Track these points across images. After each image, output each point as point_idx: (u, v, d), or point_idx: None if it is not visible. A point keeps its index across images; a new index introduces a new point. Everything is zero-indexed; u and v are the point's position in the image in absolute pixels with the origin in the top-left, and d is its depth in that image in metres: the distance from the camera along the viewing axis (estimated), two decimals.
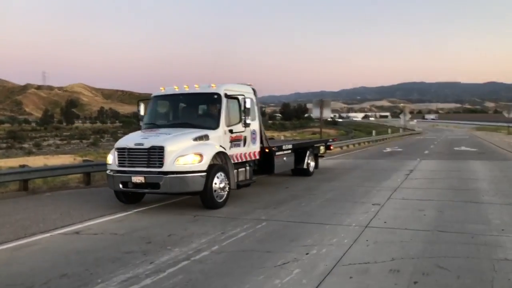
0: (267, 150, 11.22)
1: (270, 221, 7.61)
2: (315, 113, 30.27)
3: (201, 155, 8.43)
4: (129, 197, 9.44)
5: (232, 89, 9.85)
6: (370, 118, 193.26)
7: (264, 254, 5.69)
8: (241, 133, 9.85)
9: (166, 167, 8.28)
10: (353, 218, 7.76)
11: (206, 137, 8.93)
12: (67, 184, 13.10)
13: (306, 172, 13.97)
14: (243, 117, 9.64)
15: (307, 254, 5.62)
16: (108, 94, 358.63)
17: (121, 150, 8.79)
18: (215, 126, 9.27)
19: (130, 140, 8.91)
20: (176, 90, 10.10)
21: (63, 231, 7.28)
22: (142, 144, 8.50)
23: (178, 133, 8.86)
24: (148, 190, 8.65)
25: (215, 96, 9.55)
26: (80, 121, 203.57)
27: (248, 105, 9.61)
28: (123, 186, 8.77)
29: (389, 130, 57.33)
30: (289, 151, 12.71)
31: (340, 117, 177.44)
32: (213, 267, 5.23)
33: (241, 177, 9.97)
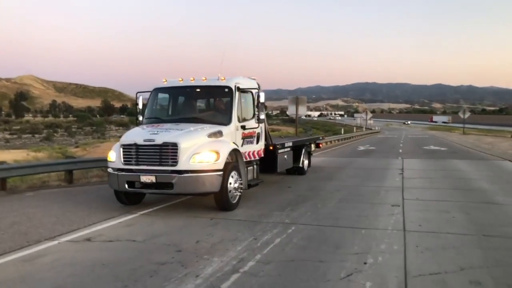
0: (271, 148, 10.66)
1: (298, 225, 7.07)
2: (290, 110, 29.96)
3: (217, 153, 7.75)
4: (130, 197, 8.62)
5: (244, 83, 9.22)
6: (330, 118, 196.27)
7: (318, 264, 5.15)
8: (254, 130, 9.25)
9: (180, 166, 7.54)
10: (382, 221, 7.37)
11: (220, 133, 8.25)
12: (47, 183, 11.98)
13: (301, 171, 13.53)
14: (256, 113, 9.04)
15: (365, 263, 5.14)
16: (61, 87, 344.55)
17: (127, 147, 7.94)
18: (227, 121, 8.61)
19: (137, 135, 8.06)
20: (181, 82, 9.33)
21: (70, 238, 6.41)
22: (153, 140, 7.70)
23: (190, 128, 8.12)
24: (159, 190, 7.85)
25: (226, 90, 8.88)
26: (30, 115, 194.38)
27: (262, 100, 9.01)
28: (129, 186, 7.93)
29: (355, 129, 58.35)
30: (289, 149, 12.22)
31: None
32: (272, 281, 4.63)
33: (249, 176, 9.36)
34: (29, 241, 6.17)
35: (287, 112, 32.46)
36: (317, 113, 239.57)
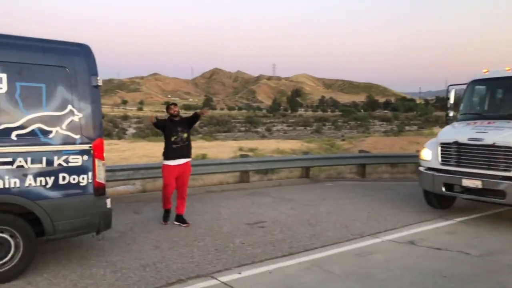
0: None
1: None
2: None
3: None
4: (441, 201, 7.88)
5: None
6: None
7: None
8: None
9: None
10: None
11: None
12: (341, 174, 12.47)
13: None
14: None
15: None
16: (329, 84, 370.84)
17: (447, 146, 7.21)
18: None
19: (459, 133, 7.23)
20: (508, 72, 7.93)
21: (391, 237, 6.16)
22: (480, 140, 6.73)
23: None
24: (485, 197, 6.83)
25: None
26: (303, 109, 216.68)
27: None
28: (447, 189, 7.18)
29: None
30: None
31: None
32: None
33: None
34: (353, 234, 6.23)
35: None
36: None
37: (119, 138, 49.67)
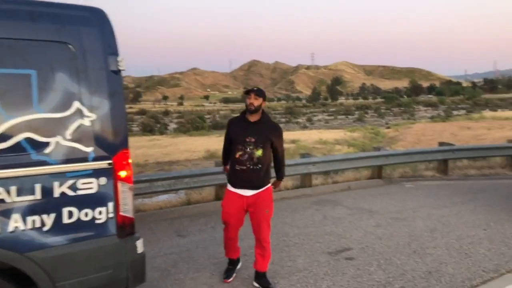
0: None
1: None
2: None
3: None
4: None
5: None
6: None
7: None
8: None
9: None
10: None
11: None
12: (418, 172, 10.47)
13: None
14: None
15: None
16: (370, 70, 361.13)
17: None
18: None
19: None
20: None
21: None
22: None
23: None
24: None
25: None
26: (343, 98, 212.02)
27: None
28: None
29: None
30: None
31: None
32: None
33: None
34: (486, 270, 4.37)
35: None
36: None
37: (161, 133, 49.38)
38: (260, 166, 3.81)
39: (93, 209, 2.99)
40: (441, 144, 10.63)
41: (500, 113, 62.21)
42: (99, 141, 3.01)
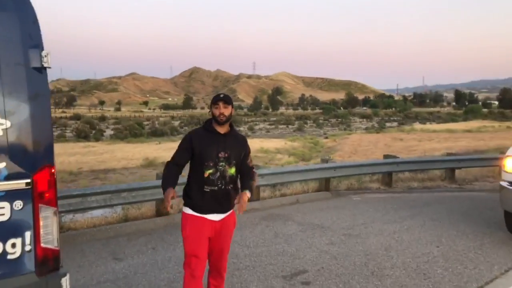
0: None
1: None
2: None
3: None
4: None
5: None
6: None
7: None
8: None
9: None
10: None
11: None
12: (363, 184, 10.44)
13: None
14: None
15: None
16: (309, 82, 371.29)
17: None
18: None
19: None
20: None
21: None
22: None
23: None
24: None
25: None
26: (283, 108, 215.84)
27: None
28: None
29: None
30: None
31: None
32: None
33: None
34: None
35: None
36: None
37: (97, 140, 47.01)
38: (232, 185, 3.21)
39: (4, 241, 2.36)
40: (386, 156, 10.70)
41: (428, 125, 65.99)
42: (14, 154, 2.39)
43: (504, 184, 5.80)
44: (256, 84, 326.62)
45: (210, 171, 3.12)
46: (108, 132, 59.12)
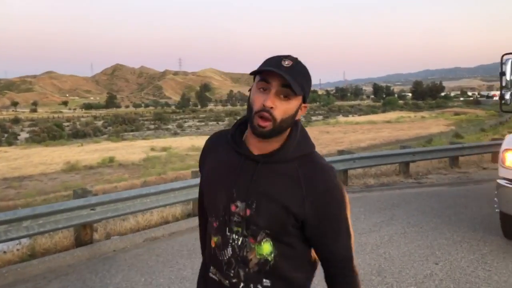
0: None
1: None
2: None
3: None
4: None
5: None
6: None
7: None
8: None
9: None
10: None
11: None
12: None
13: None
14: None
15: None
16: (236, 78, 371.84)
17: None
18: None
19: None
20: None
21: None
22: None
23: None
24: None
25: None
26: (212, 104, 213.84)
27: None
28: None
29: None
30: None
31: (481, 95, 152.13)
32: None
33: None
34: None
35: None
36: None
37: (9, 144, 42.43)
38: (269, 283, 1.32)
39: None
40: (340, 152, 9.73)
41: (351, 118, 68.11)
42: None
43: (503, 182, 4.93)
44: (183, 81, 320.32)
45: (215, 238, 1.38)
46: (23, 135, 53.84)
